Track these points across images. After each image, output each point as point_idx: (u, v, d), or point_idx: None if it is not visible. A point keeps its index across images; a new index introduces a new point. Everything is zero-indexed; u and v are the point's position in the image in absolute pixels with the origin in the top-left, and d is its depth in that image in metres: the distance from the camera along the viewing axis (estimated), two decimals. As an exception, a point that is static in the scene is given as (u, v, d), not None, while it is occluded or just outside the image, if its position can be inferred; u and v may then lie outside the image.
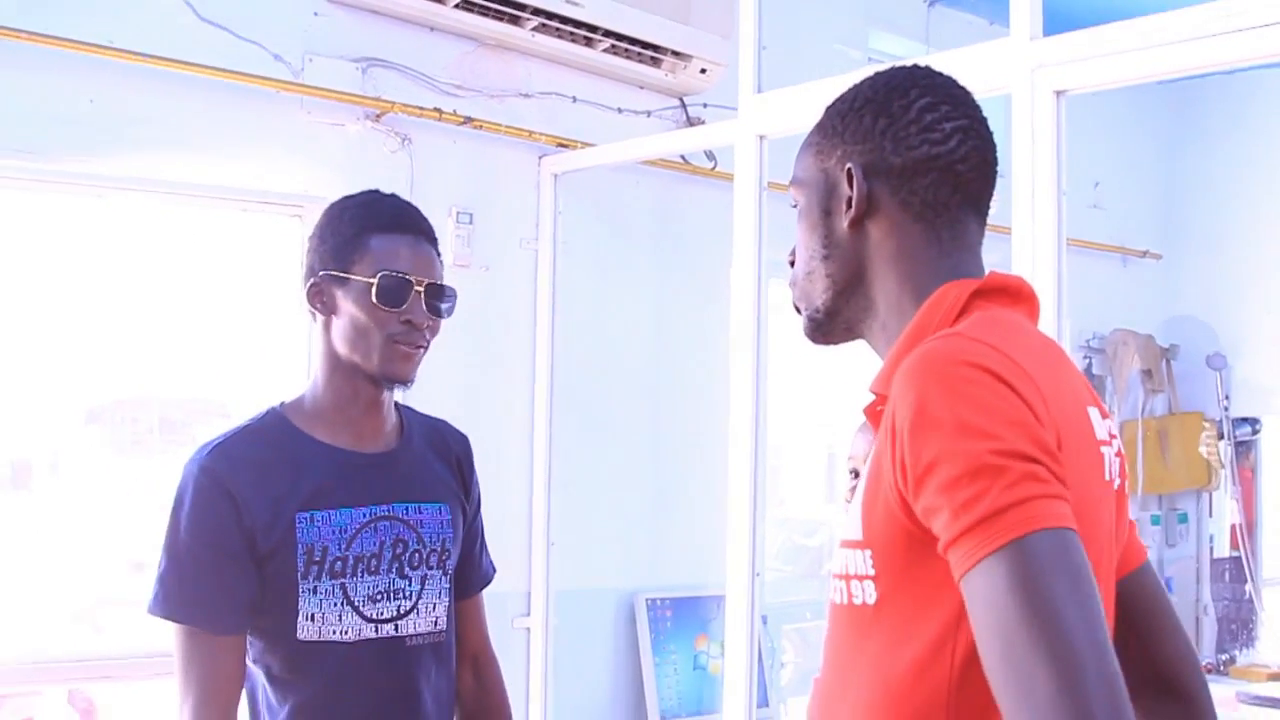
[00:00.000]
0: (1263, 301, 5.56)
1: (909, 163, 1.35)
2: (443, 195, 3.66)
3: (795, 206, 1.45)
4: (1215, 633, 5.50)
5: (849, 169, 1.36)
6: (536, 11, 3.65)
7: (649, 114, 4.13)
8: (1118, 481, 1.35)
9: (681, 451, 4.14)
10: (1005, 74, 2.60)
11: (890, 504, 1.18)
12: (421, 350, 2.02)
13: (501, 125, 3.74)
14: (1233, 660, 5.15)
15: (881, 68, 1.44)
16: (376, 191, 2.11)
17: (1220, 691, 4.58)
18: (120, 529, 3.42)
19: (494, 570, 2.30)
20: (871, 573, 1.23)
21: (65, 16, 2.99)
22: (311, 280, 2.00)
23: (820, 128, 1.43)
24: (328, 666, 1.93)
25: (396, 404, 2.12)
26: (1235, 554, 5.57)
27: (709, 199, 3.96)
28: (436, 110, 3.60)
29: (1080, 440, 1.23)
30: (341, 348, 1.99)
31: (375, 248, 1.97)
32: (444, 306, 2.04)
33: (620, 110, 4.04)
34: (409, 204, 2.09)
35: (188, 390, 3.64)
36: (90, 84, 3.04)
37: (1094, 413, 1.31)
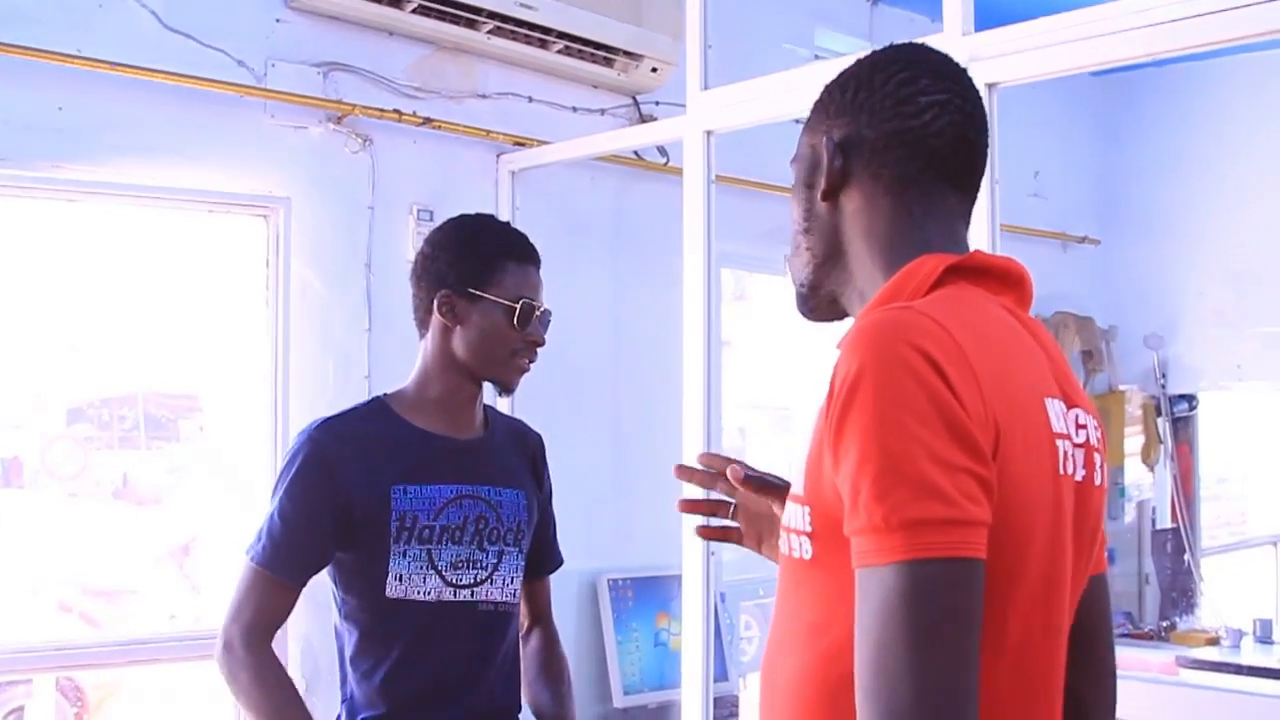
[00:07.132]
0: (1196, 283, 5.70)
1: (880, 136, 1.33)
2: (404, 194, 3.70)
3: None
4: (1158, 601, 5.65)
5: (826, 142, 1.36)
6: (492, 15, 3.68)
7: (603, 112, 4.18)
8: (1081, 474, 1.28)
9: (640, 437, 4.19)
10: (938, 69, 2.70)
11: (826, 464, 1.17)
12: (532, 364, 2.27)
13: (460, 125, 3.79)
14: (1173, 626, 5.28)
15: (875, 55, 1.41)
16: (493, 216, 2.35)
17: (1161, 656, 4.74)
18: (109, 522, 3.51)
19: (562, 559, 2.51)
20: (809, 529, 1.22)
21: (34, 27, 3.02)
22: (443, 291, 2.20)
23: (815, 105, 1.42)
24: (411, 623, 2.14)
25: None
26: (1175, 526, 5.72)
27: (662, 193, 3.98)
28: (396, 112, 3.64)
29: (1027, 430, 1.20)
30: (463, 353, 2.21)
31: (512, 274, 2.22)
32: (549, 326, 2.28)
33: (575, 109, 4.09)
34: (524, 234, 2.32)
35: (168, 387, 3.71)
36: (59, 92, 3.07)
37: (1054, 405, 1.26)
